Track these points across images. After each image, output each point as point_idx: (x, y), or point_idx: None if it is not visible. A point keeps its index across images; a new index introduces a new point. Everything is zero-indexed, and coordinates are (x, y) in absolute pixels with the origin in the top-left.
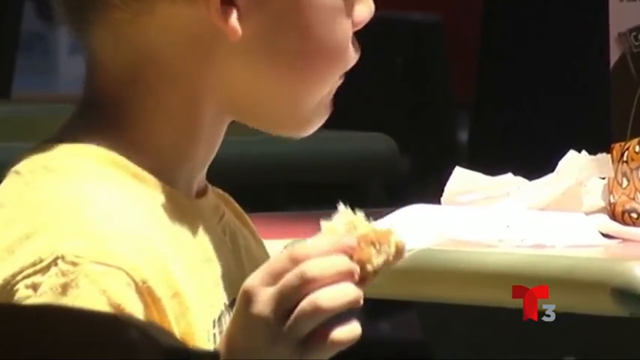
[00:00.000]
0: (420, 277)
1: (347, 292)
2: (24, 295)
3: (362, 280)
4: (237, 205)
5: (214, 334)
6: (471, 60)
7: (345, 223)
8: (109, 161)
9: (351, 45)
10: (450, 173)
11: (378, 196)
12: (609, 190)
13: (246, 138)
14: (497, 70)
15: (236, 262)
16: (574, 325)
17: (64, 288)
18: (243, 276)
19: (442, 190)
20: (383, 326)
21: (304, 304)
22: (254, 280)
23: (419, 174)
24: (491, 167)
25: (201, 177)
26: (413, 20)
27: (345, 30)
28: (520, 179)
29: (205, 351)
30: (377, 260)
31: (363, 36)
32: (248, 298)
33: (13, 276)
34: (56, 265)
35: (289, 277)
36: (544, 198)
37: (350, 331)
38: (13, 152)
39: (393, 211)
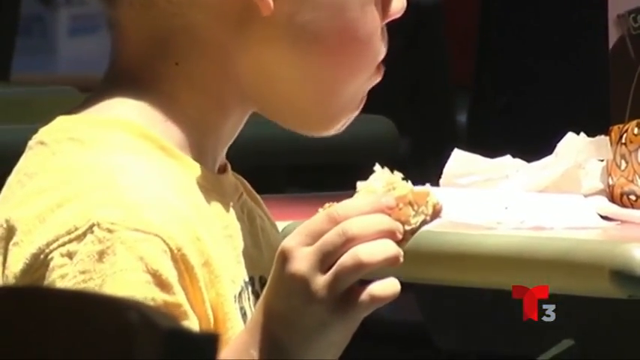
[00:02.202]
0: (418, 259)
1: (387, 248)
2: (59, 264)
3: (400, 241)
4: (250, 187)
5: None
6: (470, 42)
7: (384, 183)
8: (137, 133)
9: (380, 37)
10: (449, 155)
11: None
12: (608, 173)
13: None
14: (496, 52)
15: (253, 242)
16: (572, 308)
17: (101, 255)
18: (260, 255)
19: (441, 173)
20: (381, 307)
21: (345, 258)
22: (291, 241)
23: (418, 156)
24: (490, 149)
25: (222, 154)
26: (413, 2)
27: (375, 21)
28: (519, 161)
29: (204, 333)
30: (414, 220)
31: None
32: (285, 257)
33: (48, 244)
34: (92, 232)
35: (330, 235)
36: (543, 180)
37: (390, 286)
38: (13, 134)
39: None
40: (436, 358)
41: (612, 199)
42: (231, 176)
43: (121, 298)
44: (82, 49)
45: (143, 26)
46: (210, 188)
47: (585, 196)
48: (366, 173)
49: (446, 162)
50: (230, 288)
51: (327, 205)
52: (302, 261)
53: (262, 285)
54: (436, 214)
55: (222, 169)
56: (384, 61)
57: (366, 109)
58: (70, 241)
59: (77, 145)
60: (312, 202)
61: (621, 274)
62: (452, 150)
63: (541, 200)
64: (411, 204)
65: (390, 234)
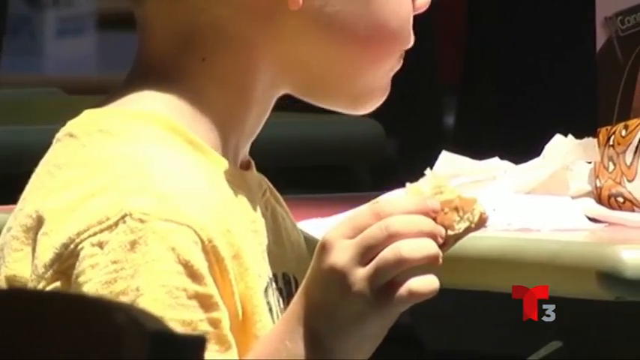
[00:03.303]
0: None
1: (428, 247)
2: (90, 253)
3: (442, 245)
4: (272, 186)
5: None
6: (458, 44)
7: (433, 186)
8: (166, 126)
9: (410, 31)
10: (436, 157)
11: (365, 179)
12: (595, 174)
13: None
14: (484, 54)
15: (275, 239)
16: (560, 310)
17: (133, 245)
18: (283, 253)
19: None
20: None
21: (386, 252)
22: (334, 233)
23: (406, 158)
24: (477, 151)
25: (245, 150)
26: None
27: (407, 10)
28: (507, 163)
29: (190, 334)
30: (459, 226)
31: None
32: (326, 248)
33: (79, 234)
34: (124, 222)
35: (372, 229)
36: (530, 182)
37: (430, 282)
38: (2, 134)
39: (381, 194)
40: (425, 358)
41: (600, 201)
42: (255, 173)
43: (108, 300)
44: (69, 51)
45: (170, 22)
46: (237, 184)
47: (573, 197)
48: (354, 175)
49: (434, 163)
50: (258, 282)
51: (374, 201)
52: (342, 252)
53: (285, 282)
54: (482, 222)
55: (246, 166)
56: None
57: None
58: (102, 230)
59: (107, 136)
60: (301, 204)
61: (609, 276)
62: (440, 151)
63: (529, 202)
64: (457, 209)
65: (431, 235)
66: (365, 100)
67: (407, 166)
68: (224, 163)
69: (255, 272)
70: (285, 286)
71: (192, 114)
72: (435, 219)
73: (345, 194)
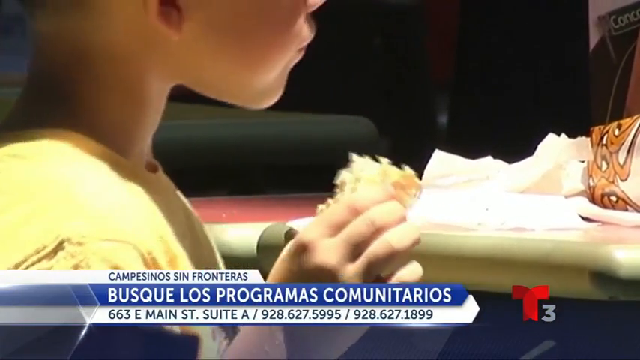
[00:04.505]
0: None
1: (412, 232)
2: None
3: None
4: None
5: None
6: (450, 43)
7: (379, 171)
8: (76, 143)
9: (303, 27)
10: (429, 156)
11: None
12: (588, 174)
13: (225, 121)
14: (476, 53)
15: (192, 237)
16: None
17: (76, 269)
18: (199, 250)
19: (422, 174)
20: None
21: (376, 247)
22: (311, 233)
23: (398, 157)
24: (470, 150)
25: (148, 151)
26: (393, 2)
27: (292, 16)
28: (500, 163)
29: (185, 333)
30: (409, 203)
31: (342, 17)
32: (309, 249)
33: (16, 266)
34: (63, 248)
35: (357, 226)
36: (523, 181)
37: (416, 270)
38: None
39: None
40: (419, 357)
41: (593, 201)
42: (163, 174)
43: None
44: None
45: (63, 39)
46: (154, 189)
47: (566, 197)
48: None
49: (426, 163)
50: None
51: (320, 207)
52: (330, 252)
53: None
54: (420, 194)
55: (155, 169)
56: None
57: (346, 110)
58: (40, 260)
59: (22, 161)
60: (293, 204)
61: (602, 276)
62: (432, 151)
63: (522, 201)
64: (403, 188)
65: (405, 219)
66: (262, 97)
67: (399, 166)
68: (137, 171)
69: (189, 269)
70: None
71: (97, 128)
72: None
73: None
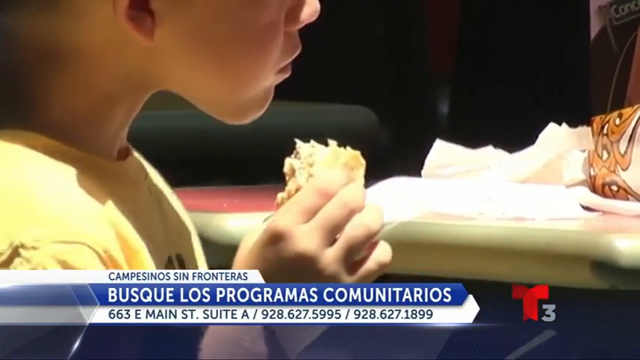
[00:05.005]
0: (400, 249)
1: (380, 211)
2: None
3: None
4: (153, 169)
5: None
6: (451, 32)
7: (331, 155)
8: (33, 142)
9: (284, 46)
10: (430, 146)
11: None
12: (589, 163)
13: None
14: (477, 43)
15: (163, 221)
16: (554, 298)
17: None
18: (170, 234)
19: (423, 163)
20: None
21: (354, 229)
22: (285, 221)
23: (400, 147)
24: (471, 140)
25: (121, 139)
26: None
27: (270, 36)
28: (501, 152)
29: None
30: (360, 182)
31: (345, 8)
32: (284, 237)
33: None
34: (18, 254)
35: (332, 209)
36: (524, 171)
37: (388, 249)
38: None
39: (374, 183)
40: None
41: (594, 190)
42: (134, 159)
43: None
44: None
45: (33, 36)
46: (117, 177)
47: (567, 186)
48: None
49: (427, 152)
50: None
51: (279, 196)
52: (308, 238)
53: (179, 263)
54: (364, 169)
55: (125, 152)
56: (297, 58)
57: (348, 100)
58: None
59: None
60: None
61: (603, 265)
62: (434, 140)
63: (523, 191)
64: (352, 168)
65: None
66: (244, 112)
67: (401, 155)
68: (99, 163)
69: (149, 263)
70: (181, 268)
71: (57, 125)
72: None
73: None
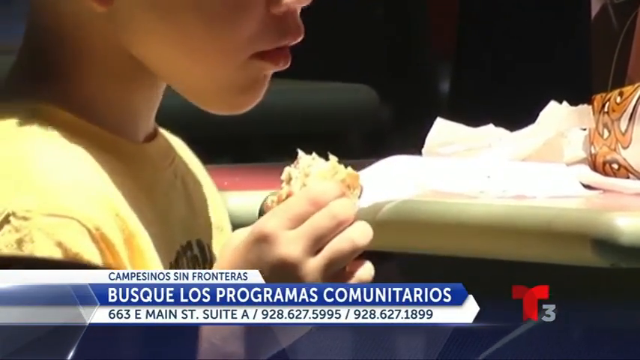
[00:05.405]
0: (401, 228)
1: (368, 230)
2: None
3: None
4: (191, 152)
5: None
6: (452, 10)
7: (329, 168)
8: (49, 118)
9: (262, 29)
10: (431, 124)
11: (359, 147)
12: (590, 141)
13: None
14: (478, 21)
15: (188, 206)
16: (554, 277)
17: (19, 243)
18: (195, 219)
19: (423, 142)
20: None
21: (340, 243)
22: (272, 224)
23: (400, 125)
24: (472, 118)
25: (148, 124)
26: None
27: (237, 13)
28: (501, 130)
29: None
30: (354, 201)
31: None
32: (269, 241)
33: None
34: (8, 222)
35: (321, 219)
36: (525, 149)
37: (370, 269)
38: None
39: (374, 162)
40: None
41: (594, 168)
42: (161, 142)
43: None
44: None
45: (42, 8)
46: (132, 158)
47: (567, 164)
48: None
49: (428, 131)
50: (164, 256)
51: (269, 199)
52: (293, 245)
53: (200, 249)
54: (361, 195)
55: (152, 136)
56: (300, 44)
57: (348, 78)
58: None
59: None
60: None
61: (604, 243)
62: (434, 119)
63: (523, 169)
64: (349, 186)
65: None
66: (230, 100)
67: (401, 134)
68: (116, 143)
69: (159, 248)
70: (201, 253)
71: (82, 100)
72: None
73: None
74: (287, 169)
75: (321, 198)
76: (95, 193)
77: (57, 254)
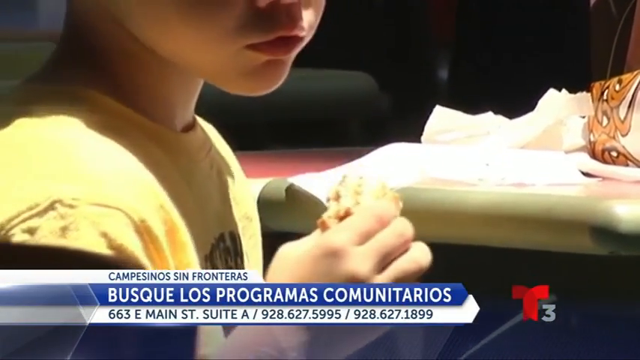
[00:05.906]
0: (400, 215)
1: (428, 250)
2: (21, 240)
3: None
4: (223, 141)
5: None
6: None
7: (380, 188)
8: (92, 103)
9: (238, 17)
10: (430, 112)
11: (359, 134)
12: (589, 129)
13: None
14: (477, 9)
15: (222, 197)
16: (553, 265)
17: (64, 231)
18: (229, 211)
19: (422, 129)
20: None
21: (407, 263)
22: (341, 239)
23: (399, 112)
24: (471, 106)
25: (186, 113)
26: None
27: (220, 4)
28: (500, 118)
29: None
30: None
31: None
32: (340, 255)
33: (9, 220)
34: (54, 208)
35: (389, 237)
36: (524, 137)
37: (427, 252)
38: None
39: (374, 149)
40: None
41: (593, 156)
42: (199, 132)
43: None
44: (63, 6)
45: (77, 3)
46: (172, 147)
47: (566, 152)
48: (346, 129)
49: (427, 118)
50: (193, 254)
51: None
52: (363, 261)
53: (232, 240)
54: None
55: (190, 126)
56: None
57: (347, 66)
58: (32, 217)
59: (35, 119)
60: (294, 159)
61: (602, 231)
62: (433, 106)
63: (522, 157)
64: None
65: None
66: (237, 81)
67: (401, 121)
68: (157, 131)
69: (195, 242)
70: (232, 245)
71: (123, 87)
72: None
73: (338, 149)
74: (334, 187)
75: (386, 216)
76: (141, 183)
77: (101, 244)
